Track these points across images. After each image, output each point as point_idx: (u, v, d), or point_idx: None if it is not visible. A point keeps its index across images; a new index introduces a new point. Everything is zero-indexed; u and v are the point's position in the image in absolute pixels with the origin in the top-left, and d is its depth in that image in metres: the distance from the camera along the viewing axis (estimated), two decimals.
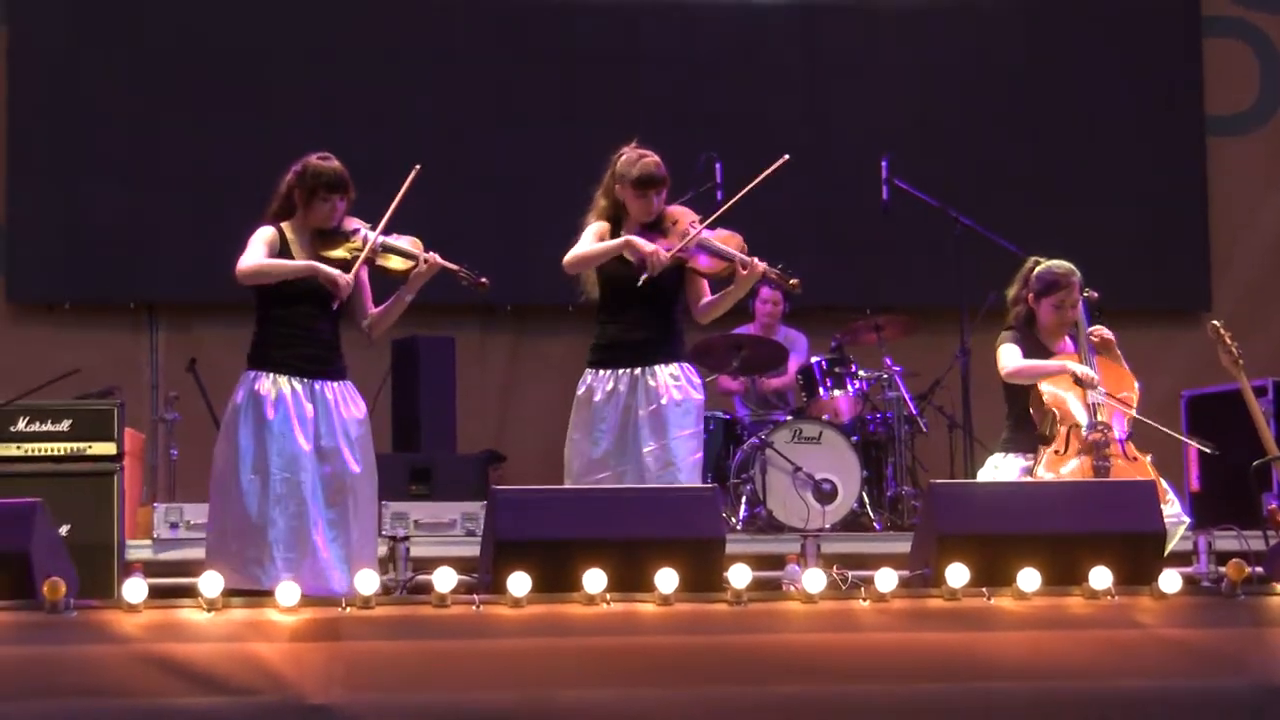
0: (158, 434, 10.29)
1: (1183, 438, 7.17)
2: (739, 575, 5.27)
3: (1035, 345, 7.22)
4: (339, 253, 6.71)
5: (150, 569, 8.19)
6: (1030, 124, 11.78)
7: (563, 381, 7.19)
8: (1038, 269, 7.30)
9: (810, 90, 11.69)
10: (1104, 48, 11.95)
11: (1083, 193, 11.73)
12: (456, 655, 5.05)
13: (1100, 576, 5.36)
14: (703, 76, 11.54)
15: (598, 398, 6.82)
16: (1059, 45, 11.95)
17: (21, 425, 7.76)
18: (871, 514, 9.66)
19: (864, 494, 9.61)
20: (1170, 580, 5.41)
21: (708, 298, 6.94)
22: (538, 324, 10.98)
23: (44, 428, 7.77)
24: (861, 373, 10.09)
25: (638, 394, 6.80)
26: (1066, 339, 7.26)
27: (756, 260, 6.80)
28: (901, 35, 11.83)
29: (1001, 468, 7.20)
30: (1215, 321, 7.81)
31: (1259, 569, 6.08)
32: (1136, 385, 7.22)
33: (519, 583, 5.16)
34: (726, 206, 7.13)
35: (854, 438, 9.71)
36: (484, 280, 6.77)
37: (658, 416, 6.76)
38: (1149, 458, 7.06)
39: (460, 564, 5.79)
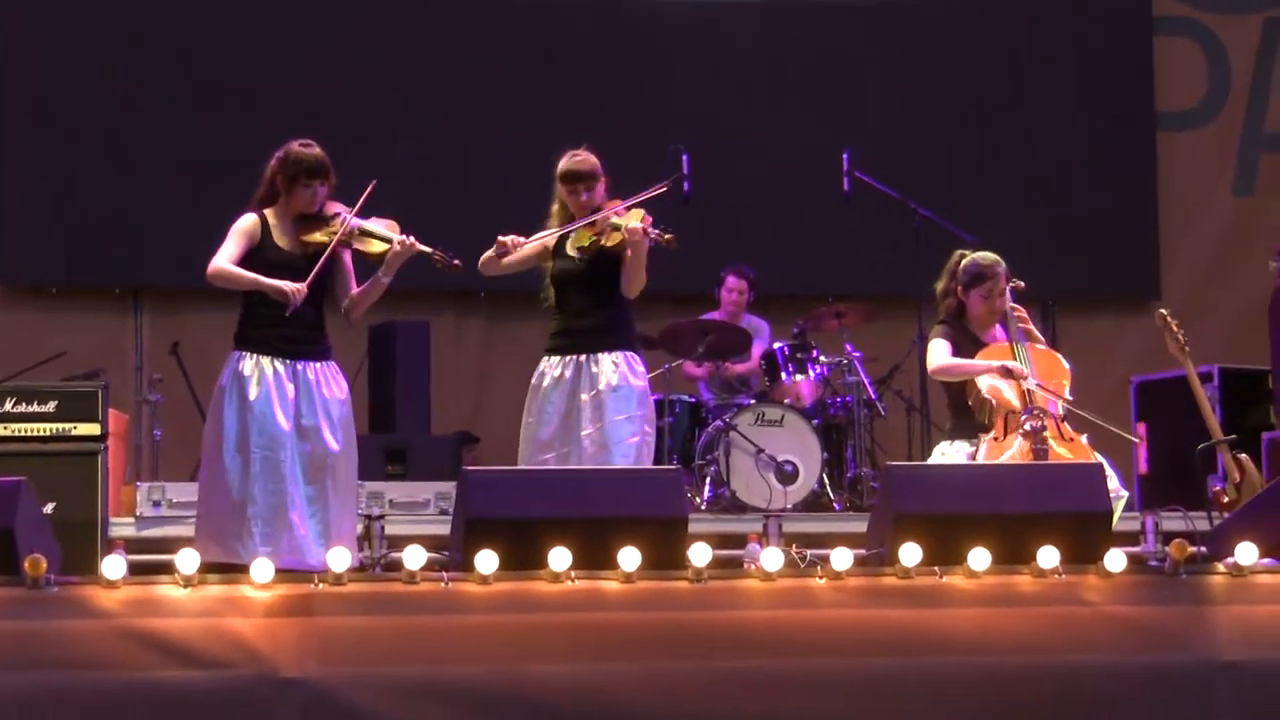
0: (141, 415, 10.40)
1: (1104, 423, 7.30)
2: (699, 554, 5.38)
3: (967, 337, 7.34)
4: (318, 236, 6.84)
5: (133, 546, 8.27)
6: (987, 118, 11.93)
7: (534, 365, 7.38)
8: (964, 261, 7.41)
9: (773, 85, 11.84)
10: (1058, 45, 12.11)
11: (1037, 185, 11.91)
12: (426, 630, 5.15)
13: (1048, 556, 5.47)
14: (669, 72, 11.68)
15: (546, 383, 7.14)
16: (1015, 42, 12.10)
17: (9, 406, 7.88)
18: (831, 494, 9.79)
19: (824, 475, 9.73)
20: (1115, 559, 5.52)
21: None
22: (511, 310, 11.05)
23: (30, 409, 7.89)
24: (823, 358, 10.21)
25: (581, 379, 7.11)
26: (997, 327, 7.39)
27: (635, 226, 6.98)
28: (861, 31, 11.97)
29: (948, 454, 7.31)
30: (1163, 310, 7.97)
31: (1203, 549, 6.22)
32: (1068, 367, 7.34)
33: (486, 560, 5.27)
34: (638, 199, 7.29)
35: (815, 421, 9.84)
36: (457, 262, 6.90)
37: (597, 401, 7.06)
38: (1085, 437, 7.19)
39: (434, 542, 5.87)
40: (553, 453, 7.06)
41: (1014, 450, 7.03)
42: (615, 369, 7.11)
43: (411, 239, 6.85)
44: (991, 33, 12.08)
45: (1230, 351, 10.53)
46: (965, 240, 9.46)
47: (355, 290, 6.96)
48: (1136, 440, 7.58)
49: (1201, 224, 12.30)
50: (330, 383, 6.85)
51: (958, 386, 7.31)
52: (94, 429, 7.94)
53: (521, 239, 7.11)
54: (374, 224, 6.91)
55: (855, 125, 11.39)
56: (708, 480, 9.67)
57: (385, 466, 9.43)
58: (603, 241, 7.09)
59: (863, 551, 5.85)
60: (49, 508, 7.17)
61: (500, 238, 7.11)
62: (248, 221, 6.88)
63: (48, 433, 7.90)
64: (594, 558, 5.40)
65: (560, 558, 5.32)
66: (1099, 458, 6.96)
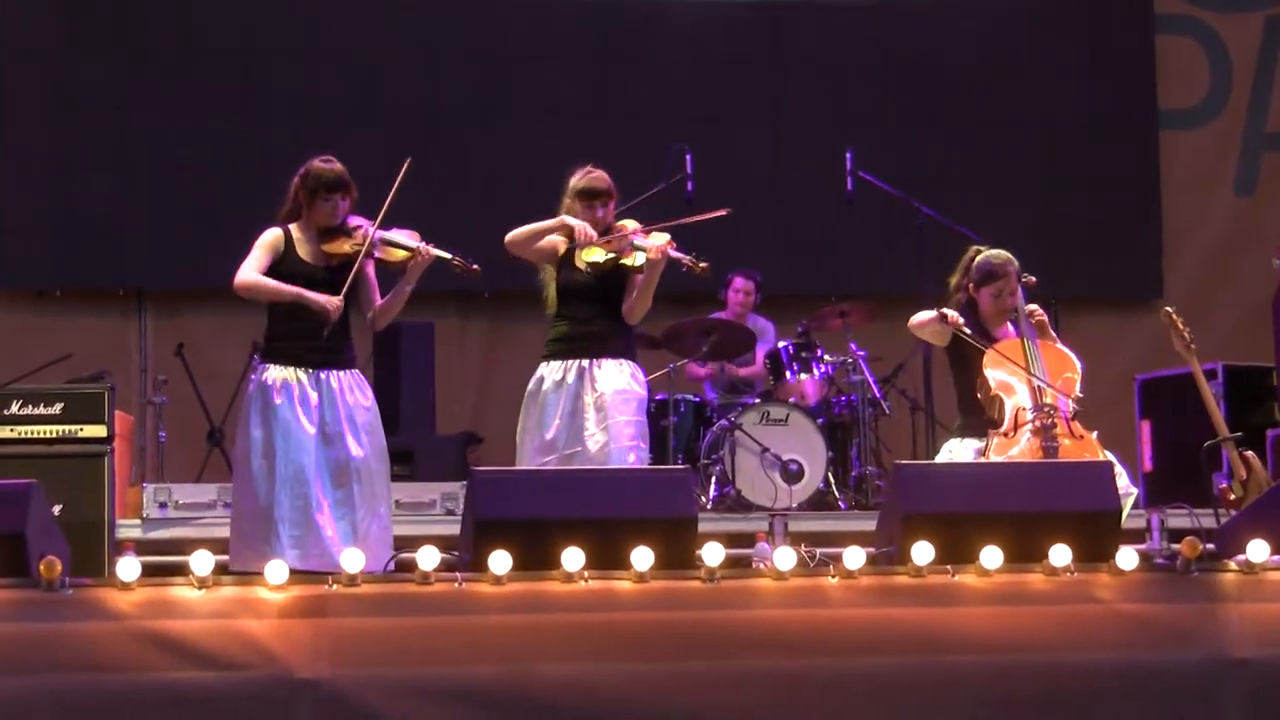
0: (146, 417, 10.43)
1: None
2: (712, 553, 5.37)
3: (977, 331, 7.34)
4: (343, 247, 6.92)
5: (139, 548, 8.26)
6: (989, 117, 11.98)
7: (537, 364, 7.41)
8: (977, 258, 7.43)
9: (776, 84, 11.87)
10: (1061, 44, 12.16)
11: (1040, 183, 11.95)
12: (440, 631, 5.16)
13: (1060, 554, 5.47)
14: (672, 72, 11.70)
15: (546, 386, 7.18)
16: (1017, 40, 12.15)
17: (15, 409, 7.90)
18: (837, 493, 9.81)
19: (829, 474, 9.76)
20: (1127, 557, 5.53)
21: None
22: (514, 310, 11.07)
23: (36, 411, 7.91)
24: (827, 357, 10.23)
25: (585, 383, 7.15)
26: (1008, 325, 7.40)
27: (669, 247, 7.08)
28: (865, 30, 12.00)
29: (956, 452, 7.33)
30: (1168, 308, 7.99)
31: (1210, 546, 6.23)
32: (1079, 365, 7.35)
33: (500, 561, 5.27)
34: (675, 223, 7.39)
35: (820, 420, 9.86)
36: (475, 267, 7.02)
37: (600, 404, 7.10)
38: (1094, 434, 7.20)
39: (441, 542, 5.85)
40: (555, 454, 7.09)
41: (1024, 447, 7.05)
42: (619, 373, 7.18)
43: (431, 247, 6.94)
44: (994, 32, 12.12)
45: (1232, 349, 10.57)
46: (969, 238, 9.49)
47: (380, 301, 7.05)
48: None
49: (1204, 222, 12.34)
50: (354, 390, 6.95)
51: (969, 383, 7.31)
52: (100, 431, 7.97)
53: (593, 233, 7.15)
54: (397, 234, 7.01)
55: (858, 125, 11.43)
56: (713, 479, 9.68)
57: (391, 467, 9.42)
58: (623, 260, 7.14)
59: (872, 550, 5.84)
60: (55, 510, 7.18)
61: (577, 225, 7.13)
62: (271, 235, 6.98)
63: (54, 434, 7.92)
64: (603, 558, 5.40)
65: (573, 558, 5.33)
66: (1108, 455, 6.96)
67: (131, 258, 11.16)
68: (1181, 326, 7.83)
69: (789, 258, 11.58)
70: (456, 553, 6.02)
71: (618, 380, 7.14)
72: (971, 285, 7.42)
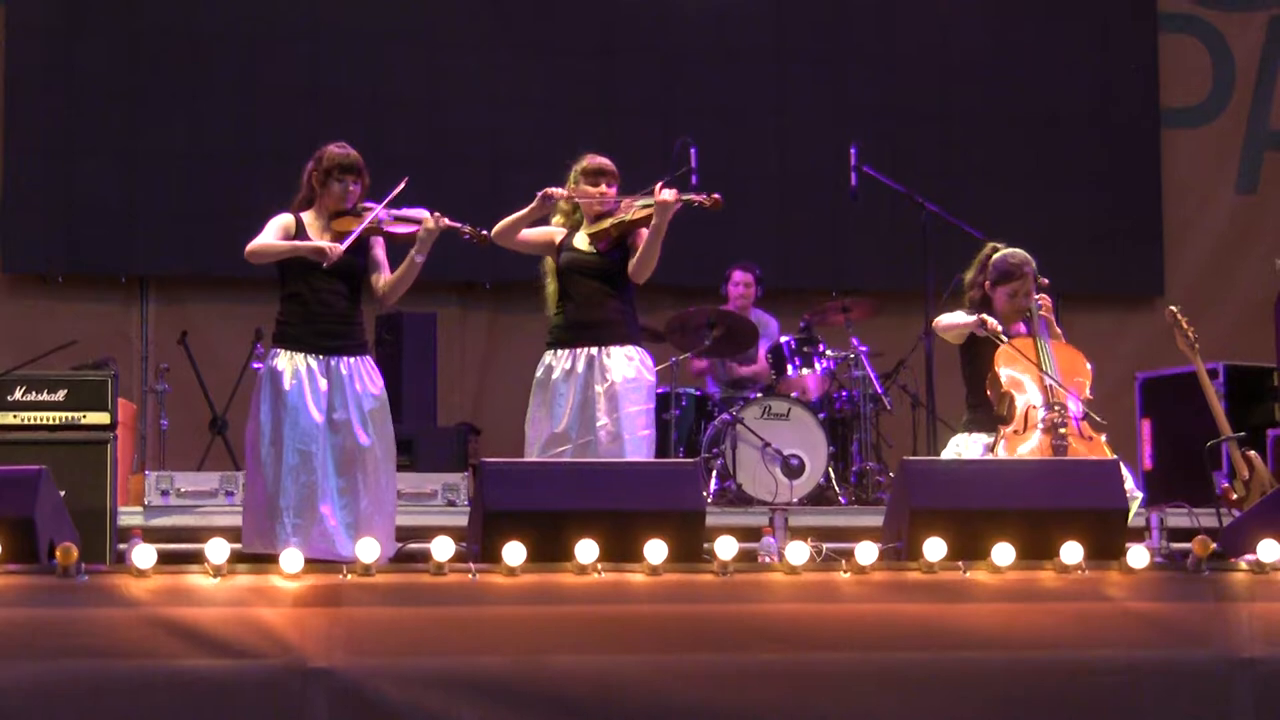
0: (148, 404, 10.43)
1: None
2: (725, 547, 5.39)
3: None
4: (351, 225, 6.97)
5: (142, 535, 8.31)
6: (993, 114, 11.99)
7: (538, 356, 7.41)
8: (995, 256, 7.43)
9: (781, 79, 11.87)
10: (1064, 41, 12.17)
11: (1043, 181, 11.97)
12: (453, 621, 5.18)
13: (1071, 551, 5.49)
14: (677, 63, 11.70)
15: (556, 375, 7.17)
16: (1020, 37, 12.15)
17: (18, 395, 7.88)
18: (837, 488, 9.82)
19: (830, 469, 9.77)
20: (1138, 555, 5.56)
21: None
22: (516, 301, 11.06)
23: (40, 397, 7.89)
24: (829, 352, 10.25)
25: (594, 372, 7.13)
26: (1022, 323, 7.40)
27: (665, 191, 7.07)
28: (869, 26, 12.01)
29: (964, 447, 7.35)
30: (1173, 307, 8.00)
31: (1214, 545, 6.24)
32: (1089, 367, 7.36)
33: (514, 552, 5.28)
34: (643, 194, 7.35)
35: (821, 415, 9.87)
36: (485, 233, 7.09)
37: (611, 393, 7.09)
38: (1103, 437, 7.21)
39: (441, 533, 5.90)
40: (569, 445, 7.09)
41: (1033, 444, 7.06)
42: (629, 362, 7.16)
43: (442, 217, 6.97)
44: (998, 29, 12.13)
45: (1233, 348, 10.59)
46: (972, 235, 9.51)
47: (389, 274, 7.06)
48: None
49: (1205, 221, 12.37)
50: (364, 377, 6.95)
51: (980, 378, 7.32)
52: (104, 418, 7.96)
53: (563, 191, 7.17)
54: (405, 210, 7.06)
55: (862, 120, 11.44)
56: (714, 473, 9.70)
57: None
58: (627, 217, 7.11)
59: (878, 546, 5.85)
60: None
61: (553, 190, 7.19)
62: (283, 218, 7.03)
63: (57, 421, 7.91)
64: (611, 550, 5.41)
65: (587, 550, 5.33)
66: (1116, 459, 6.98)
67: (135, 245, 11.13)
68: (1186, 326, 7.85)
69: (792, 252, 11.61)
70: (465, 544, 6.03)
71: (627, 368, 7.14)
72: (987, 283, 7.42)
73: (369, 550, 5.28)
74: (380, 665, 5.05)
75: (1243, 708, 5.35)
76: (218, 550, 5.19)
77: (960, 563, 5.51)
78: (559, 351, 7.23)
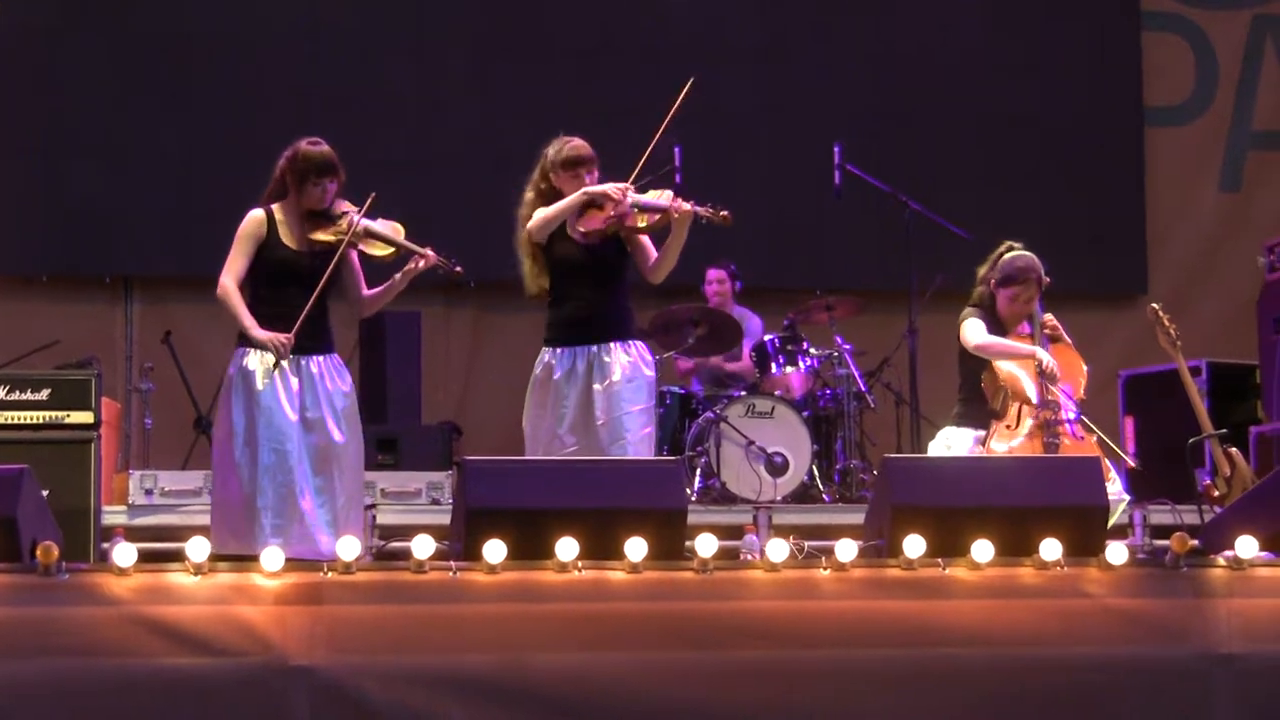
0: (132, 403, 10.43)
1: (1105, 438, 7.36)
2: (705, 544, 5.40)
3: (995, 326, 7.36)
4: (326, 236, 6.86)
5: (125, 535, 8.28)
6: (975, 112, 12.01)
7: (523, 354, 7.41)
8: (1005, 257, 7.42)
9: (765, 78, 11.89)
10: (1047, 40, 12.21)
11: (1025, 179, 12.00)
12: (434, 619, 5.18)
13: (1050, 548, 5.51)
14: (661, 63, 11.69)
15: (558, 375, 7.08)
16: (1003, 36, 12.18)
17: (1, 394, 7.86)
18: (821, 486, 9.84)
19: (814, 467, 9.78)
20: (1117, 552, 5.57)
21: (654, 256, 7.17)
22: (499, 300, 11.12)
23: (23, 396, 7.88)
24: (813, 350, 10.26)
25: (594, 371, 7.06)
26: (1025, 323, 7.41)
27: (683, 202, 7.00)
28: (852, 24, 12.03)
29: (954, 440, 7.36)
30: (1155, 304, 8.01)
31: (1195, 542, 6.26)
32: (1085, 369, 7.39)
33: (494, 550, 5.29)
34: (645, 157, 7.33)
35: (805, 413, 9.88)
36: (459, 269, 6.96)
37: (611, 392, 7.03)
38: (1094, 438, 7.24)
39: (425, 531, 5.91)
40: (574, 445, 7.03)
41: (1024, 441, 7.08)
42: (628, 359, 7.10)
43: (430, 252, 6.87)
44: (980, 27, 12.16)
45: (1217, 346, 10.63)
46: (956, 234, 9.55)
47: (367, 291, 7.02)
48: (1122, 455, 7.57)
49: (1189, 219, 12.41)
50: (333, 376, 6.89)
51: (976, 371, 7.33)
52: (87, 417, 7.95)
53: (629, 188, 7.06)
54: (381, 225, 6.94)
55: (847, 119, 11.46)
56: (698, 471, 9.71)
57: (376, 456, 9.45)
58: (629, 223, 7.04)
59: (860, 543, 5.86)
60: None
61: (609, 189, 7.05)
62: (252, 222, 6.90)
63: (41, 420, 7.89)
64: (593, 548, 5.42)
65: (567, 548, 5.34)
66: (1106, 462, 6.98)
67: (119, 244, 11.15)
68: (1168, 323, 7.84)
69: (776, 251, 11.62)
70: (447, 542, 6.04)
71: (627, 366, 7.07)
72: (994, 282, 7.42)
73: (350, 548, 5.29)
74: (361, 663, 5.06)
75: (1221, 704, 5.37)
76: (198, 549, 5.20)
77: (939, 560, 5.52)
78: (558, 350, 7.13)
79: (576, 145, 7.20)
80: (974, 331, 7.30)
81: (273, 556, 5.23)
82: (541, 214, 7.12)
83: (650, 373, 7.18)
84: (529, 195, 7.25)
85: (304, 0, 11.50)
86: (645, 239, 7.16)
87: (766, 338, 10.33)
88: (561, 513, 5.59)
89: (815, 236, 11.65)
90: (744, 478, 9.60)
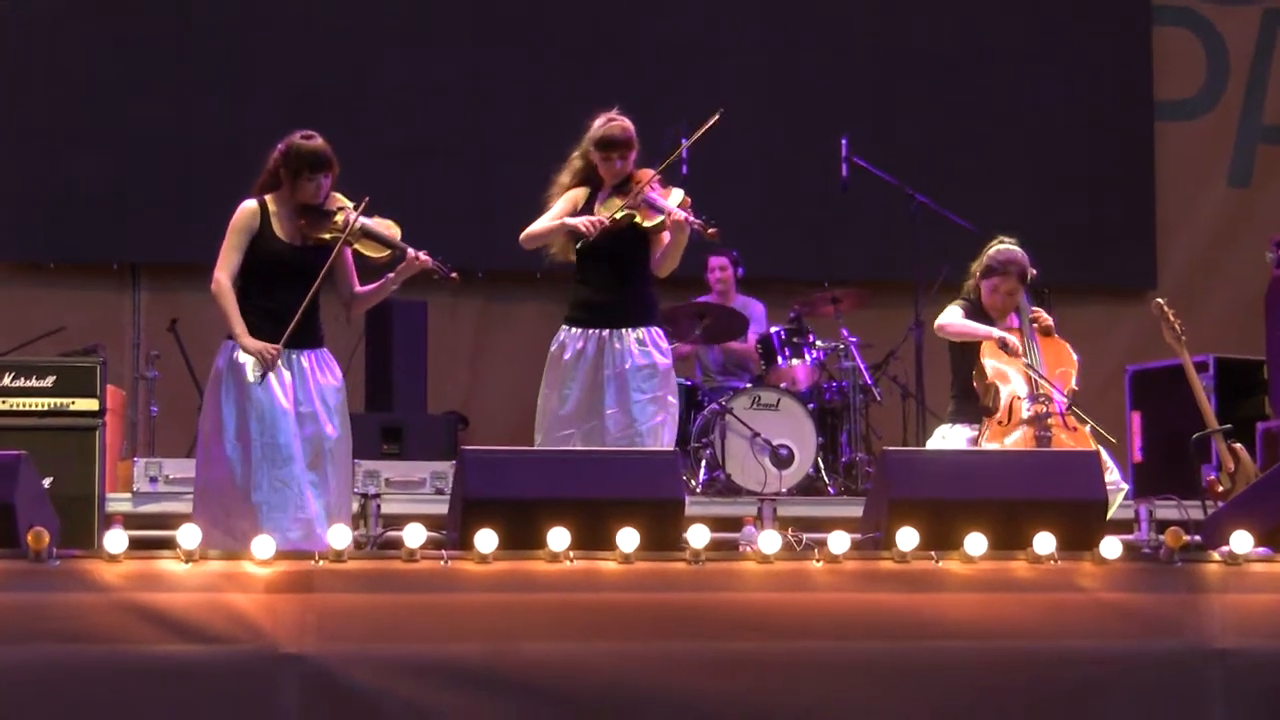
0: (138, 391, 10.44)
1: (1091, 422, 7.34)
2: (697, 535, 5.39)
3: (981, 318, 7.39)
4: (321, 235, 6.80)
5: (130, 521, 8.32)
6: (985, 106, 11.99)
7: (530, 344, 7.40)
8: (989, 249, 7.46)
9: (772, 70, 11.87)
10: (1057, 33, 12.17)
11: (1034, 172, 11.98)
12: (425, 608, 5.19)
13: (1044, 542, 5.49)
14: (667, 55, 11.70)
15: (568, 355, 7.07)
16: (1014, 29, 12.15)
17: (7, 381, 7.86)
18: (826, 479, 9.85)
19: (819, 460, 9.79)
20: (1111, 546, 5.55)
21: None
22: (507, 289, 11.13)
23: (29, 383, 7.87)
24: (819, 343, 10.26)
25: (604, 355, 7.04)
26: (1013, 315, 7.43)
27: (680, 210, 6.97)
28: (860, 17, 12.01)
29: (949, 438, 7.37)
30: (1160, 299, 7.99)
31: (1197, 537, 6.25)
32: (1076, 359, 7.39)
33: (486, 540, 5.29)
34: (667, 163, 7.34)
35: (811, 405, 9.89)
36: (454, 275, 6.91)
37: (621, 380, 7.01)
38: (1088, 428, 7.23)
39: (430, 521, 5.89)
40: (573, 428, 7.01)
41: (1018, 435, 7.08)
42: (641, 346, 7.07)
43: (424, 256, 6.81)
44: (991, 20, 12.13)
45: (1225, 341, 10.59)
46: (963, 227, 9.53)
47: (359, 289, 6.97)
48: (1113, 441, 7.55)
49: (1197, 214, 12.37)
50: (324, 370, 6.84)
51: (966, 368, 7.34)
52: (92, 404, 7.94)
53: (603, 221, 7.01)
54: (376, 224, 6.87)
55: (854, 111, 11.45)
56: (703, 463, 9.71)
57: (381, 445, 9.47)
58: (638, 219, 7.02)
59: (858, 536, 5.87)
60: (46, 482, 7.13)
61: (576, 225, 7.01)
62: (245, 214, 6.84)
63: (46, 407, 7.90)
64: (591, 539, 5.42)
65: (559, 538, 5.34)
66: (1102, 452, 6.97)
67: (126, 232, 11.15)
68: (1173, 318, 7.84)
69: (782, 242, 11.61)
70: (445, 532, 6.05)
71: (638, 354, 7.04)
72: (979, 273, 7.45)
73: (341, 537, 5.29)
74: (352, 651, 5.06)
75: (1214, 698, 5.36)
76: (189, 536, 5.20)
77: (933, 553, 5.51)
78: (573, 330, 7.11)
79: (611, 127, 7.10)
80: (946, 314, 7.37)
81: (264, 545, 5.23)
82: (532, 228, 7.13)
83: (665, 360, 7.13)
84: (574, 163, 7.20)
85: None
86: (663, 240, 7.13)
87: (772, 330, 10.33)
88: (560, 503, 5.59)
89: (821, 229, 11.63)
90: (749, 470, 9.60)
